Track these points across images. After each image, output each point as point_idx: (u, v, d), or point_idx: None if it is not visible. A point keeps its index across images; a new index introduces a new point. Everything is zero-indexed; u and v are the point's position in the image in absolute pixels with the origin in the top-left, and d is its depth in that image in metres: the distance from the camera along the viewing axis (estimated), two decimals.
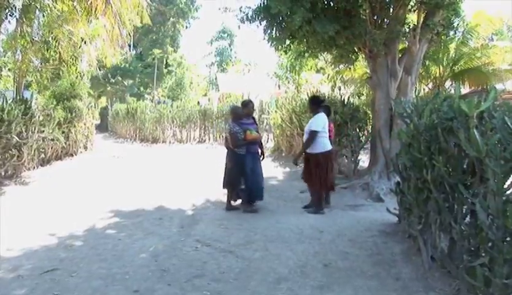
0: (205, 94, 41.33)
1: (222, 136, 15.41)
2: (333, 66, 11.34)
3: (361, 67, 11.04)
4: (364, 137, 8.03)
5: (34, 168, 8.66)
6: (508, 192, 2.34)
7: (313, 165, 5.46)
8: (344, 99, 8.14)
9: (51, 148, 9.60)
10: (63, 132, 10.19)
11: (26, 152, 8.02)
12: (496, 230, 2.35)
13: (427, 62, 10.41)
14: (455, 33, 9.00)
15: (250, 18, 6.85)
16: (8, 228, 4.55)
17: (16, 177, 7.70)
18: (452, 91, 9.05)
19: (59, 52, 10.27)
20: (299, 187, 6.78)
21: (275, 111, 11.78)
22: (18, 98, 9.12)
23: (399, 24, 6.77)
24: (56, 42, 10.00)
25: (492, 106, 2.83)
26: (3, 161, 7.35)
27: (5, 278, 3.28)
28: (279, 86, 17.77)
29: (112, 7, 9.72)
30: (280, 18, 6.67)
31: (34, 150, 8.43)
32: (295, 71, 14.43)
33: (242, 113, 5.71)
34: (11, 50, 10.05)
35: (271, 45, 7.24)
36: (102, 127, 23.11)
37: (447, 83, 11.53)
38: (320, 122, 5.43)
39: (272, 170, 8.89)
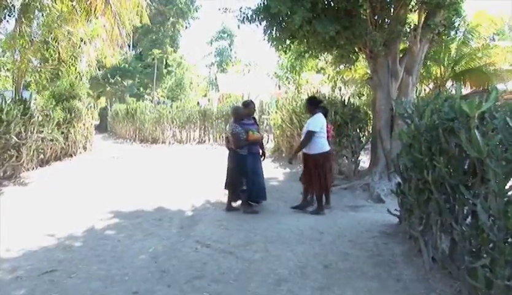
0: (205, 95, 41.35)
1: (222, 137, 15.41)
2: (333, 66, 11.33)
3: (361, 67, 11.03)
4: (364, 137, 8.01)
5: (33, 168, 8.65)
6: (509, 193, 2.33)
7: (312, 166, 5.46)
8: (344, 100, 8.12)
9: (50, 148, 9.58)
10: (62, 132, 10.17)
11: (25, 152, 8.00)
12: (497, 231, 2.34)
13: (428, 63, 10.40)
14: (456, 33, 9.00)
15: (250, 18, 6.84)
16: (7, 229, 4.54)
17: (15, 178, 7.69)
18: (453, 92, 9.05)
19: (59, 52, 10.25)
20: (299, 188, 6.75)
21: (276, 112, 11.77)
22: (17, 98, 9.09)
23: (400, 24, 6.76)
24: (55, 42, 9.98)
25: (493, 107, 2.82)
26: (2, 162, 7.34)
27: (3, 279, 3.26)
28: (279, 86, 17.76)
29: (111, 7, 9.71)
30: (280, 18, 6.65)
31: (33, 151, 8.42)
32: (295, 71, 14.41)
33: (244, 113, 5.70)
34: (10, 49, 10.02)
35: (271, 45, 7.23)
36: (101, 128, 23.10)
37: (448, 84, 11.53)
38: (318, 123, 5.43)
39: (272, 171, 8.88)
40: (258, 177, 5.69)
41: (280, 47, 7.44)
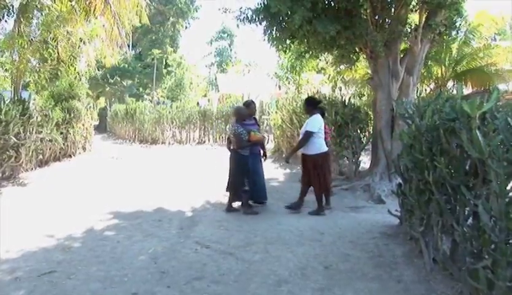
0: (205, 95, 41.36)
1: (222, 137, 15.40)
2: (333, 67, 11.30)
3: (362, 67, 11.00)
4: (365, 138, 7.98)
5: (32, 169, 8.63)
6: (511, 194, 2.31)
7: (311, 167, 5.46)
8: (345, 100, 8.09)
9: (49, 149, 9.56)
10: (61, 133, 10.15)
11: (24, 153, 7.98)
12: (499, 232, 2.32)
13: (429, 63, 10.37)
14: (458, 33, 8.98)
15: (250, 18, 6.82)
16: (5, 229, 4.52)
17: (13, 179, 7.68)
18: (454, 92, 9.03)
19: (58, 52, 10.24)
20: (299, 189, 6.74)
21: (276, 112, 11.75)
22: (16, 98, 9.08)
23: (401, 24, 6.73)
24: (54, 42, 9.97)
25: (494, 107, 2.80)
26: (0, 163, 7.31)
27: (2, 280, 3.25)
28: (279, 86, 17.72)
29: (110, 6, 9.71)
30: (280, 18, 6.63)
31: (32, 151, 8.39)
32: (296, 72, 14.39)
33: (246, 114, 5.68)
34: (9, 49, 10.01)
35: (271, 45, 7.21)
36: (100, 128, 23.10)
37: (449, 84, 11.51)
38: (316, 123, 5.43)
39: (272, 171, 8.86)
40: (259, 178, 5.67)
41: (280, 46, 7.41)
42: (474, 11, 11.18)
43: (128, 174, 8.88)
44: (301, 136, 5.60)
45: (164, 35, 37.06)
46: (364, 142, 7.87)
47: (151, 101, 31.33)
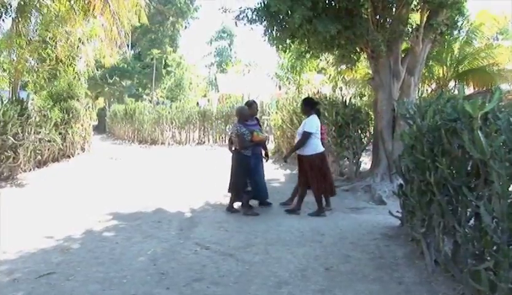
0: (205, 95, 41.33)
1: (222, 138, 15.40)
2: (334, 67, 11.29)
3: (363, 67, 10.96)
4: (366, 138, 7.96)
5: (30, 169, 8.60)
6: None
7: (308, 168, 5.44)
8: (345, 100, 8.08)
9: (48, 149, 9.53)
10: (60, 133, 10.13)
11: (22, 153, 7.95)
12: (501, 234, 2.30)
13: (430, 63, 10.30)
14: (459, 33, 8.97)
15: (249, 18, 6.80)
16: (3, 231, 4.49)
17: (12, 179, 7.65)
18: (456, 92, 9.01)
19: (56, 52, 10.21)
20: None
21: (276, 112, 11.72)
22: (14, 98, 9.05)
23: (402, 24, 6.71)
24: (53, 41, 9.94)
25: (496, 107, 2.78)
26: None
27: (0, 282, 3.22)
28: (279, 87, 17.70)
29: (110, 6, 9.68)
30: (281, 17, 6.61)
31: (30, 152, 8.36)
32: (296, 72, 14.37)
33: (248, 114, 5.66)
34: (7, 49, 9.98)
35: (271, 45, 7.19)
36: (99, 128, 23.10)
37: (451, 84, 11.46)
38: (314, 124, 5.44)
39: (272, 172, 8.83)
40: (260, 178, 5.66)
41: (280, 46, 7.39)
42: (475, 10, 11.14)
43: (127, 175, 8.86)
44: (298, 137, 5.59)
45: (163, 35, 37.01)
46: (365, 142, 7.85)
47: (150, 101, 31.29)
